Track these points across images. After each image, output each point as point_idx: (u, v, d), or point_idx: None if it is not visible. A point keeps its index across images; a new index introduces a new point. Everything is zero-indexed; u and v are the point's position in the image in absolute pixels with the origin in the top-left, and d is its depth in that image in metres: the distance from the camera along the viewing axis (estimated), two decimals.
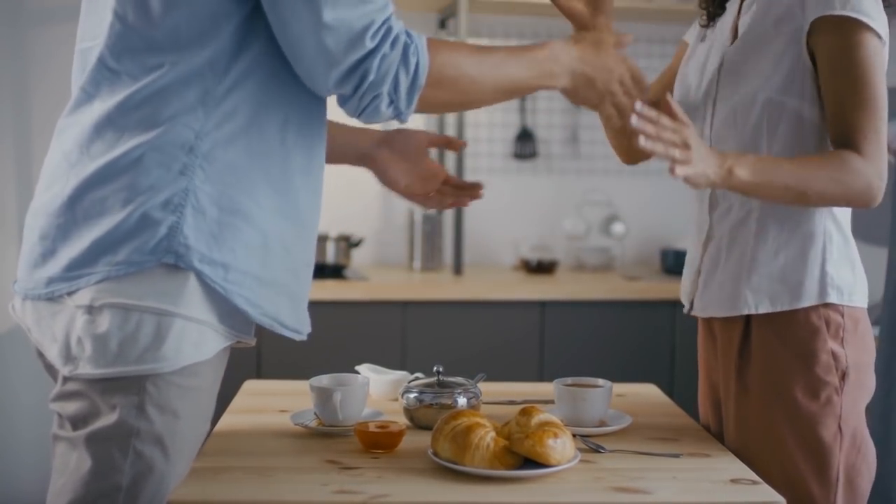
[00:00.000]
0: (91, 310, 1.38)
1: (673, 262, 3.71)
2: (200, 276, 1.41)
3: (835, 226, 1.69)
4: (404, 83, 1.42)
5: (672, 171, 1.53)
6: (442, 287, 3.39)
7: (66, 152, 1.47)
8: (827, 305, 1.66)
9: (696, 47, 1.88)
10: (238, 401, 2.00)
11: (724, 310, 1.73)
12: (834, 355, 1.64)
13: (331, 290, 3.32)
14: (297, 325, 1.56)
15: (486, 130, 3.94)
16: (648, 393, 2.13)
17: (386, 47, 1.40)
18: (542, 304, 3.38)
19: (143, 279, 1.39)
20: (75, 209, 1.42)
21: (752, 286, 1.69)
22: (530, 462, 1.52)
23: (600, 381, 1.82)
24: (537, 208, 3.97)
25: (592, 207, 3.93)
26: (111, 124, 1.43)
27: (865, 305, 1.71)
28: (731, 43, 1.76)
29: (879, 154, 1.60)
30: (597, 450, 1.65)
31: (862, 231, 1.77)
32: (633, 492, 1.46)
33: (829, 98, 1.63)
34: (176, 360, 1.40)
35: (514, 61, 1.54)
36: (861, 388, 1.68)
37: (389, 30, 1.40)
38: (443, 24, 3.84)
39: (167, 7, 1.39)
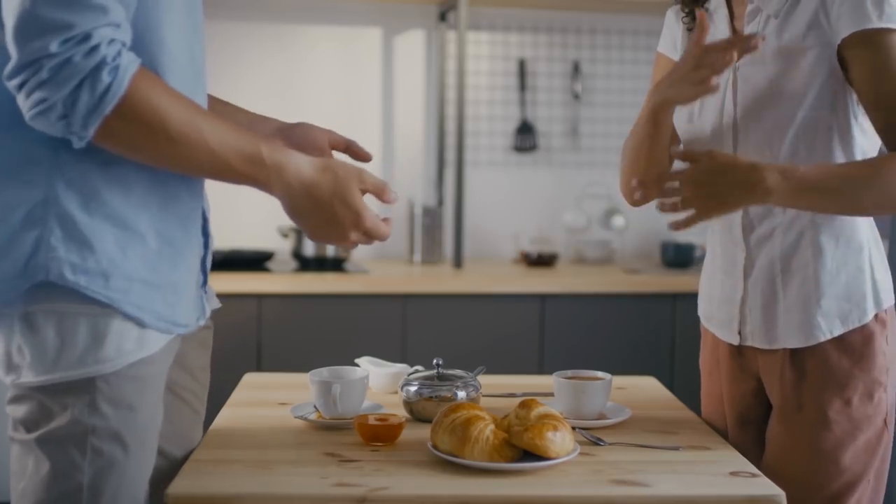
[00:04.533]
0: (27, 316, 1.33)
1: (673, 256, 3.70)
2: (77, 289, 1.32)
3: (871, 231, 1.68)
4: (85, 101, 1.23)
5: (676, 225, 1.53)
6: (442, 280, 3.39)
7: None
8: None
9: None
10: (238, 394, 2.01)
11: (798, 341, 1.67)
12: (885, 355, 1.65)
13: (331, 283, 3.32)
14: (189, 320, 1.47)
15: (487, 123, 3.94)
16: (648, 386, 2.13)
17: (76, 54, 1.22)
18: (543, 298, 3.38)
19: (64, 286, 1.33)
20: None
21: (822, 312, 1.65)
22: (530, 455, 1.52)
23: (600, 374, 1.82)
24: (537, 201, 3.97)
25: (593, 200, 3.93)
26: None
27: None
28: (738, 57, 1.68)
29: None
30: (596, 442, 1.65)
31: None
32: (633, 484, 1.46)
33: (876, 109, 1.58)
34: (118, 359, 1.35)
35: (230, 144, 1.34)
36: (894, 378, 1.68)
37: (88, 37, 1.23)
38: (443, 17, 3.83)
39: None
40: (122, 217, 1.35)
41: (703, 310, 1.89)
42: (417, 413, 1.80)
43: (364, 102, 3.88)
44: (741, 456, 1.62)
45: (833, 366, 1.64)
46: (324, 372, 1.81)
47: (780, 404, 1.70)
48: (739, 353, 1.78)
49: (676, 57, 1.84)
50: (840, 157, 1.63)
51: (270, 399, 1.93)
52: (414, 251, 3.73)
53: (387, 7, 3.84)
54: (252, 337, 3.25)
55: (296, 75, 3.82)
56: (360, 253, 3.85)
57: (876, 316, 1.65)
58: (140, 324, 1.37)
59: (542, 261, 3.70)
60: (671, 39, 1.87)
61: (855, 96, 1.62)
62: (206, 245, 1.53)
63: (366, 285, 3.32)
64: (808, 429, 1.66)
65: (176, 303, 1.42)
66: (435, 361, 1.87)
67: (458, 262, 3.59)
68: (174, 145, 1.31)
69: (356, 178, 1.44)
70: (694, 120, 1.76)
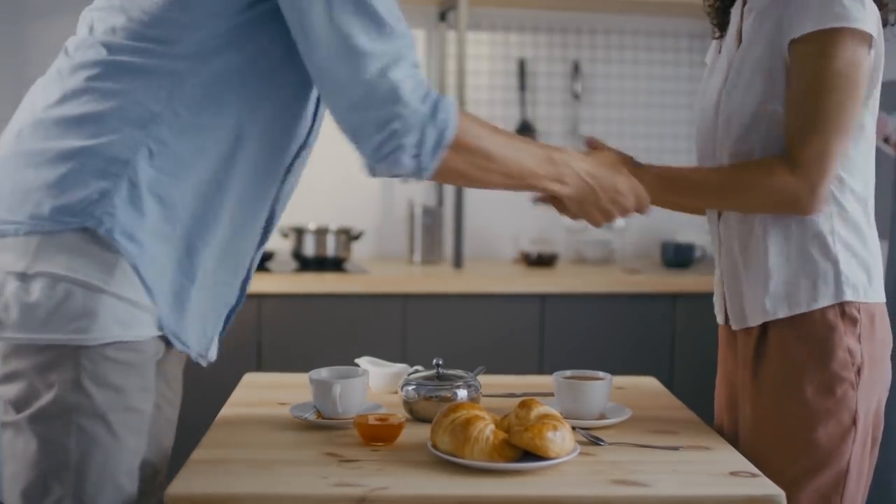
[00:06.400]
0: (24, 277, 1.39)
1: (673, 256, 3.70)
2: (116, 248, 1.39)
3: (843, 223, 1.68)
4: (431, 137, 1.45)
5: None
6: (442, 280, 3.38)
7: (31, 102, 1.50)
8: (843, 303, 1.66)
9: (714, 62, 1.87)
10: (238, 393, 2.01)
11: (754, 319, 1.72)
12: (850, 351, 1.64)
13: (331, 283, 3.32)
14: (189, 340, 1.52)
15: None
16: (648, 386, 2.13)
17: (417, 101, 1.43)
18: (543, 298, 3.38)
19: (74, 247, 1.39)
20: (18, 156, 1.44)
21: (769, 294, 1.69)
22: (529, 455, 1.52)
23: (600, 374, 1.81)
24: None
25: None
26: (63, 78, 1.45)
27: (883, 300, 1.71)
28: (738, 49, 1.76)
29: (817, 163, 1.59)
30: (596, 442, 1.65)
31: None
32: (633, 484, 1.46)
33: (786, 106, 1.62)
34: (101, 335, 1.39)
35: (529, 152, 1.59)
36: (876, 381, 1.68)
37: (420, 82, 1.44)
38: (443, 17, 3.83)
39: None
40: (174, 213, 1.44)
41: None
42: (417, 413, 1.80)
43: None
44: (741, 456, 1.62)
45: (789, 354, 1.67)
46: (323, 372, 1.81)
47: (746, 387, 1.75)
48: (734, 337, 1.81)
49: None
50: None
51: (270, 399, 1.93)
52: (414, 251, 3.73)
53: None
54: (252, 337, 3.24)
55: None
56: (360, 253, 3.85)
57: (842, 310, 1.65)
58: (151, 300, 1.43)
59: (542, 261, 3.70)
60: (712, 50, 1.91)
61: None
62: (238, 299, 1.66)
63: (366, 285, 3.32)
64: (765, 412, 1.69)
65: (184, 316, 1.48)
66: (435, 361, 1.87)
67: (458, 262, 3.59)
68: (493, 163, 1.53)
69: (618, 160, 1.73)
70: (704, 109, 1.82)
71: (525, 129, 3.93)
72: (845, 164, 1.66)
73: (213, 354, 1.63)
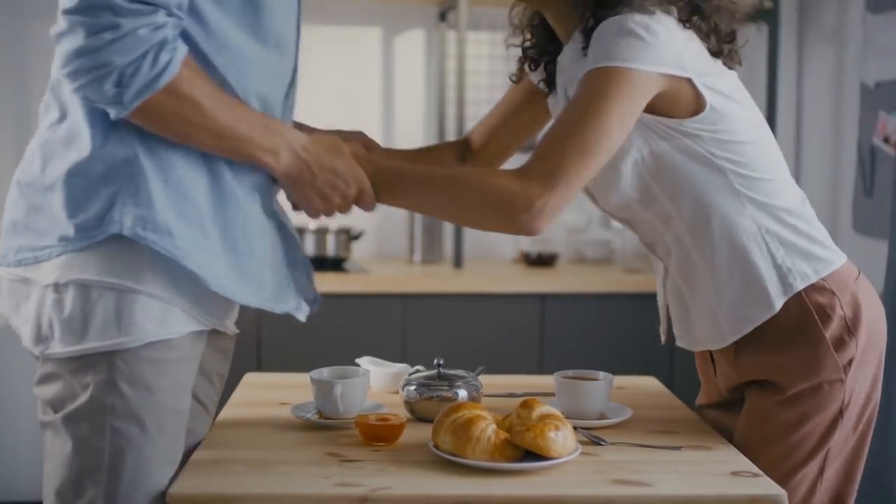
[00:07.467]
0: (57, 288, 1.39)
1: None
2: (149, 245, 1.38)
3: (771, 219, 1.65)
4: (145, 74, 1.31)
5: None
6: (442, 280, 3.39)
7: (40, 125, 1.49)
8: (818, 304, 1.63)
9: (553, 104, 1.86)
10: (238, 393, 2.01)
11: (713, 344, 1.72)
12: (839, 346, 1.63)
13: (331, 283, 3.32)
14: (261, 302, 1.52)
15: None
16: (649, 385, 2.14)
17: (143, 26, 1.29)
18: (543, 297, 3.38)
19: (104, 255, 1.38)
20: (35, 182, 1.44)
21: (724, 315, 1.66)
22: (531, 455, 1.52)
23: (601, 374, 1.81)
24: None
25: None
26: (56, 94, 1.44)
27: (843, 261, 1.68)
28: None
29: (545, 176, 1.52)
30: (597, 442, 1.65)
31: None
32: (634, 484, 1.46)
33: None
34: (139, 336, 1.39)
35: (245, 116, 1.44)
36: (866, 366, 1.67)
37: (156, 11, 1.30)
38: (443, 17, 3.83)
39: None
40: (186, 186, 1.42)
41: None
42: (418, 413, 1.80)
43: (364, 102, 3.88)
44: (742, 456, 1.62)
45: (776, 358, 1.65)
46: (325, 372, 1.81)
47: (730, 397, 1.77)
48: (712, 356, 1.81)
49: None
50: (709, 183, 1.63)
51: (271, 399, 1.93)
52: (414, 251, 3.73)
53: (387, 7, 3.84)
54: (252, 337, 3.25)
55: None
56: (361, 252, 3.85)
57: (818, 307, 1.62)
58: (204, 284, 1.42)
59: (542, 260, 3.70)
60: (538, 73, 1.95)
61: (686, 127, 1.61)
62: (285, 241, 1.57)
63: (366, 285, 3.32)
64: (752, 417, 1.69)
65: (245, 280, 1.47)
66: (436, 361, 1.87)
67: (458, 261, 3.59)
68: (202, 117, 1.38)
69: (340, 142, 1.58)
70: None
71: None
72: (748, 165, 1.63)
73: (303, 307, 1.59)
